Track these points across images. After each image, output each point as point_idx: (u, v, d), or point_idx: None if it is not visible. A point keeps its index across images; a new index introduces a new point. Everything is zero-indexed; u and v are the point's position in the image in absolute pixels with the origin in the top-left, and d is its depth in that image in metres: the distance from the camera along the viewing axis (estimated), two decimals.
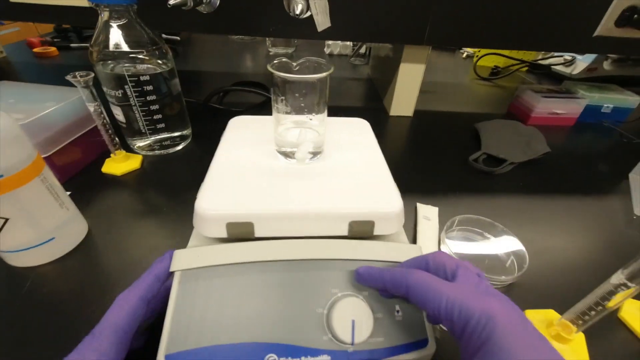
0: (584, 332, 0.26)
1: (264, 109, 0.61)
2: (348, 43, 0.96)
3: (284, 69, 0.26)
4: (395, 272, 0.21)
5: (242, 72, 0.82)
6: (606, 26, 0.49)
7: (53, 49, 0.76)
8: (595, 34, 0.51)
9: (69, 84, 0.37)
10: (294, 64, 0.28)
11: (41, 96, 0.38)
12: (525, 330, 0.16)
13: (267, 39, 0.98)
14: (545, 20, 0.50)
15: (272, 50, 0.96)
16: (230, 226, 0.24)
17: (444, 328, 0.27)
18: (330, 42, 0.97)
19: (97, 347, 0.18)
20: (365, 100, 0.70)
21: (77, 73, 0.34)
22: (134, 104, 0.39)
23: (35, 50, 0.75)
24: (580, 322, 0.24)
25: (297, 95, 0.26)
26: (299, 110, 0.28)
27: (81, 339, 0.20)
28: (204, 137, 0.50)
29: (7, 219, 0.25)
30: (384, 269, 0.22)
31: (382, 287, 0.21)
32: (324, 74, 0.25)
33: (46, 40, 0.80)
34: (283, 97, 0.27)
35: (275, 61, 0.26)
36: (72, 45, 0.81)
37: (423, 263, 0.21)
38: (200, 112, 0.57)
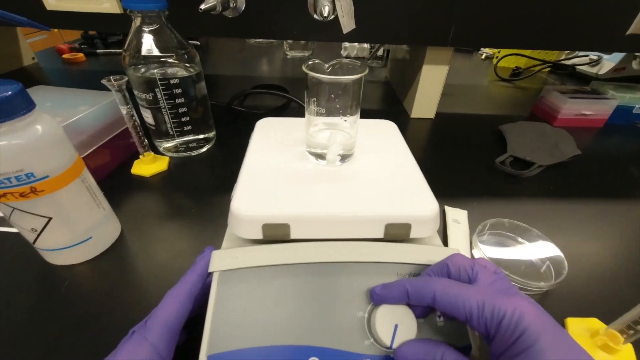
0: (632, 343, 0.25)
1: (284, 111, 0.62)
2: (365, 46, 0.96)
3: (317, 70, 0.26)
4: (418, 283, 0.20)
5: (260, 75, 0.83)
6: None
7: (81, 55, 0.79)
8: (629, 32, 0.49)
9: (100, 89, 0.38)
10: (326, 65, 0.28)
11: (75, 100, 0.39)
12: (552, 322, 0.17)
13: (284, 43, 0.99)
14: (575, 19, 0.49)
15: (290, 54, 0.96)
16: (266, 227, 0.24)
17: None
18: (347, 45, 0.97)
19: (150, 341, 0.19)
20: (385, 103, 0.70)
21: (111, 77, 0.35)
22: (163, 106, 0.40)
23: (64, 56, 0.78)
24: (629, 332, 0.23)
25: (330, 96, 0.26)
26: (331, 112, 0.27)
27: (118, 338, 0.20)
28: (226, 140, 0.51)
29: (50, 218, 0.26)
30: (401, 282, 0.21)
31: (404, 300, 0.20)
32: (358, 75, 0.25)
33: (74, 47, 0.83)
34: (315, 99, 0.27)
35: (309, 62, 0.26)
36: (98, 51, 0.84)
37: (444, 269, 0.21)
38: (222, 115, 0.57)
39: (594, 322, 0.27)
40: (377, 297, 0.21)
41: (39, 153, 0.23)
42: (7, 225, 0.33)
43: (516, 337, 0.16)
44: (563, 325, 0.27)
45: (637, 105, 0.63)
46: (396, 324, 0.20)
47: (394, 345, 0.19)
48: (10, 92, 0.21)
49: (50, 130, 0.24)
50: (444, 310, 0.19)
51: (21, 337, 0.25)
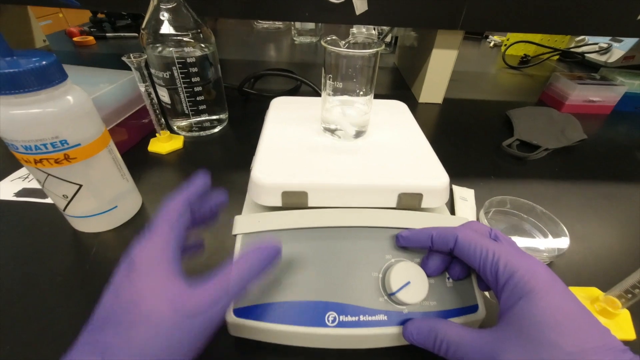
0: (629, 309, 0.26)
1: (294, 94, 0.62)
2: (373, 32, 0.95)
3: (335, 46, 0.27)
4: (442, 228, 0.22)
5: (268, 60, 0.83)
6: None
7: (91, 38, 0.79)
8: None
9: (115, 68, 0.39)
10: (343, 41, 0.28)
11: (94, 78, 0.40)
12: (564, 287, 0.17)
13: (292, 28, 0.98)
14: (587, 3, 0.49)
15: (297, 40, 0.96)
16: (285, 195, 0.25)
17: (491, 298, 0.27)
18: (355, 31, 0.96)
19: (156, 235, 0.17)
20: (394, 88, 0.70)
21: (131, 54, 0.36)
22: (179, 85, 0.41)
23: (75, 39, 0.78)
24: (627, 297, 0.25)
25: (348, 71, 0.27)
26: (347, 88, 0.28)
27: None
28: (238, 121, 0.52)
29: (80, 186, 0.27)
30: (427, 228, 0.22)
31: (428, 244, 0.22)
32: (375, 50, 0.26)
33: (84, 30, 0.84)
34: (332, 74, 0.28)
35: (327, 38, 0.27)
36: (107, 35, 0.85)
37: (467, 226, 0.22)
38: (234, 98, 0.58)
39: (594, 291, 0.28)
40: (402, 240, 0.23)
41: (72, 122, 0.24)
42: (40, 196, 0.35)
43: (524, 293, 0.17)
44: None
45: None
46: (409, 281, 0.21)
47: (399, 295, 0.21)
48: (46, 62, 0.22)
49: (81, 101, 0.25)
50: (461, 254, 0.20)
51: (62, 296, 0.27)
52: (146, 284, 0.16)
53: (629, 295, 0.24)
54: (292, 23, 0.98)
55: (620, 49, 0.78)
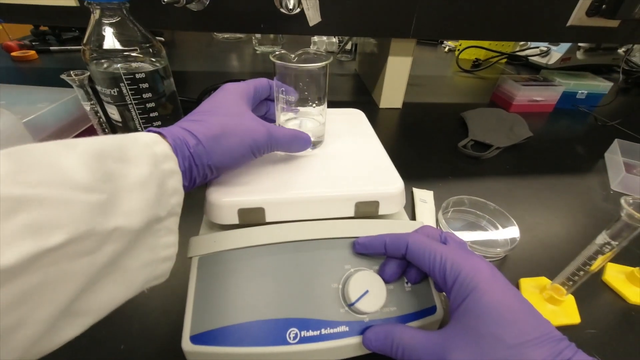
0: (573, 294, 0.29)
1: None
2: (334, 40, 0.97)
3: (284, 60, 0.27)
4: (394, 235, 0.23)
5: (229, 71, 0.82)
6: (578, 16, 0.53)
7: (32, 52, 0.74)
8: (569, 23, 0.54)
9: (59, 86, 0.37)
10: (293, 55, 0.29)
11: (32, 97, 0.38)
12: (505, 282, 0.18)
13: (253, 38, 0.98)
14: (523, 12, 0.53)
15: (259, 49, 0.96)
16: (242, 212, 0.24)
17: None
18: (316, 39, 0.98)
19: (243, 84, 0.27)
20: (355, 95, 0.72)
21: (72, 72, 0.34)
22: (129, 102, 0.39)
23: (13, 54, 0.73)
24: (569, 284, 0.27)
25: (298, 84, 0.27)
26: (300, 101, 0.29)
27: None
28: None
29: None
30: (381, 235, 0.23)
31: (382, 250, 0.23)
32: (324, 63, 0.27)
33: (24, 44, 0.78)
34: (284, 88, 0.28)
35: (276, 52, 0.27)
36: (51, 48, 0.79)
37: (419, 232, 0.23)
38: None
39: (543, 280, 0.30)
40: (359, 247, 0.24)
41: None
42: None
43: (470, 290, 0.18)
44: (517, 285, 0.31)
45: (580, 91, 0.69)
46: (367, 290, 0.21)
47: (358, 305, 0.21)
48: None
49: (10, 126, 0.23)
50: (412, 259, 0.21)
51: None
52: (231, 97, 0.24)
53: (571, 282, 0.26)
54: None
55: (558, 51, 0.86)
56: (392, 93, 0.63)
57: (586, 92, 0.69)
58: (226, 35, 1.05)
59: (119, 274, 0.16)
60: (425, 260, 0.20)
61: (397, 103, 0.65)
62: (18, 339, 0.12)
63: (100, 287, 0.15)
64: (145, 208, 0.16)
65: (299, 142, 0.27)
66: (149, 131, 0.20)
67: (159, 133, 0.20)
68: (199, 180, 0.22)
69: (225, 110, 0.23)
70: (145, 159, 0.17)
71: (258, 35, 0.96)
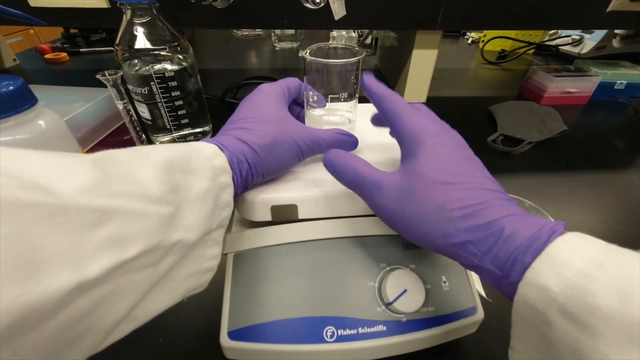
0: None
1: None
2: (353, 34, 0.96)
3: (317, 55, 0.27)
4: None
5: (249, 68, 0.82)
6: (620, 0, 0.49)
7: (64, 54, 0.77)
8: (609, 9, 0.51)
9: (90, 86, 0.38)
10: (321, 48, 0.28)
11: (69, 97, 0.39)
12: (452, 137, 0.22)
13: (272, 35, 0.98)
14: None
15: (278, 46, 0.96)
16: (274, 209, 0.24)
17: (488, 299, 0.27)
18: (335, 34, 0.97)
19: (277, 85, 0.26)
20: None
21: (106, 72, 0.34)
22: (159, 100, 0.40)
23: (46, 56, 0.76)
24: None
25: (329, 80, 0.27)
26: (331, 97, 0.28)
27: None
28: None
29: None
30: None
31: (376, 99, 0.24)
32: (357, 58, 0.26)
33: (56, 47, 0.81)
34: (315, 84, 0.28)
35: (307, 49, 0.27)
36: (81, 50, 0.82)
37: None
38: (217, 109, 0.57)
39: None
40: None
41: (45, 147, 0.23)
42: None
43: (417, 147, 0.19)
44: None
45: (618, 81, 0.65)
46: (405, 289, 0.21)
47: (396, 305, 0.21)
48: (13, 87, 0.21)
49: (54, 125, 0.24)
50: (385, 116, 0.23)
51: None
52: (271, 101, 0.24)
53: None
54: (272, 29, 0.98)
55: (591, 40, 0.81)
56: (417, 87, 0.61)
57: (625, 82, 0.65)
58: (245, 32, 1.05)
59: (168, 284, 0.16)
60: (396, 122, 0.21)
61: (422, 97, 0.63)
62: (81, 346, 0.12)
63: (150, 296, 0.15)
64: (203, 221, 0.17)
65: (345, 146, 0.27)
66: (207, 141, 0.21)
67: (217, 144, 0.20)
68: (249, 188, 0.23)
69: (270, 116, 0.23)
70: (206, 172, 0.18)
71: (277, 32, 0.96)
